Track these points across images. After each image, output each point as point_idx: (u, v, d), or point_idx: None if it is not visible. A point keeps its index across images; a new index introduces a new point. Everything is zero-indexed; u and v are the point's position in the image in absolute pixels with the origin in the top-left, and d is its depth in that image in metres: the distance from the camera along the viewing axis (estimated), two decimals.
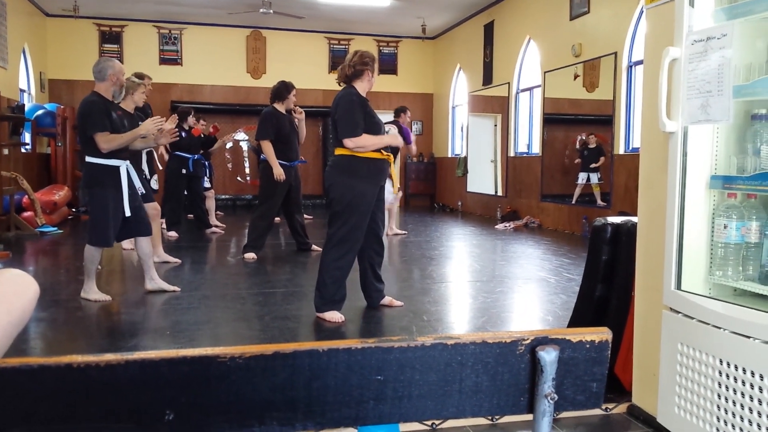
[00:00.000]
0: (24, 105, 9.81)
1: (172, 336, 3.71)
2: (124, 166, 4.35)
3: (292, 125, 6.34)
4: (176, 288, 4.74)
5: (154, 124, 4.44)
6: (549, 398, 0.93)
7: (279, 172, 6.05)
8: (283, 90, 6.28)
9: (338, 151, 3.92)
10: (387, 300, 4.35)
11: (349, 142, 3.80)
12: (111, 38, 12.53)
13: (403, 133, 7.74)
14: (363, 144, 3.82)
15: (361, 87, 4.00)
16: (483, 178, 11.85)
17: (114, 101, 4.55)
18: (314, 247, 6.66)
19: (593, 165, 8.61)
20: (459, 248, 7.72)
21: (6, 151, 8.31)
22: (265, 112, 6.27)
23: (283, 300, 4.63)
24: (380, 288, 4.32)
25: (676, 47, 2.21)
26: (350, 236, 3.89)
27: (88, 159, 4.31)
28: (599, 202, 8.45)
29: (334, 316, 3.95)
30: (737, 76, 2.06)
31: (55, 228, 8.40)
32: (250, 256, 6.19)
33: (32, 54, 11.22)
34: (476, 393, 0.94)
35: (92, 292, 4.43)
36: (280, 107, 6.26)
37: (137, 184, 4.55)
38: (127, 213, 4.34)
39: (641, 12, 7.28)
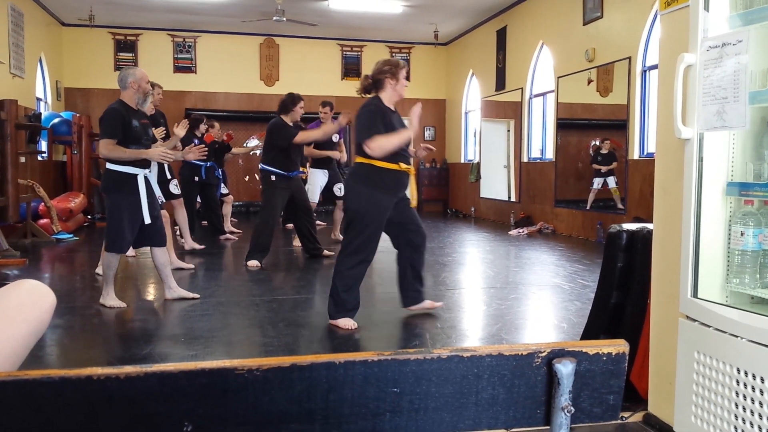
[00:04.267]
0: (41, 113, 9.94)
1: (187, 343, 3.73)
2: (141, 174, 4.38)
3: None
4: (196, 295, 4.76)
5: (160, 155, 4.42)
6: (566, 411, 0.93)
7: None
8: (289, 103, 6.32)
9: (357, 159, 3.91)
10: (427, 303, 4.28)
11: (366, 147, 3.78)
12: (126, 47, 12.66)
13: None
14: (379, 145, 3.75)
15: (386, 96, 3.96)
16: (496, 184, 11.82)
17: (138, 109, 4.58)
18: (326, 252, 6.67)
19: (604, 169, 8.57)
20: (472, 254, 7.71)
21: (23, 159, 8.40)
22: (272, 124, 6.34)
23: (296, 306, 4.64)
24: (418, 288, 4.21)
25: (691, 53, 2.19)
26: (364, 246, 3.88)
27: (108, 165, 4.36)
28: (619, 205, 8.36)
29: (347, 323, 3.95)
30: (753, 82, 2.04)
31: (71, 235, 8.47)
32: (254, 263, 6.18)
33: (49, 63, 11.36)
34: (492, 405, 0.94)
35: (109, 299, 4.46)
36: (287, 119, 6.31)
37: (157, 192, 4.60)
38: (147, 220, 4.37)
39: (655, 16, 7.24)
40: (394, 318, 4.34)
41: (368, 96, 4.01)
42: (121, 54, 12.64)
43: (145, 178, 4.41)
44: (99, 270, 5.56)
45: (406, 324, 4.18)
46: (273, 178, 6.18)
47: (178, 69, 12.88)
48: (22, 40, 9.77)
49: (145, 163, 4.44)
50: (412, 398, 0.92)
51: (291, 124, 6.30)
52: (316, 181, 7.67)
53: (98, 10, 11.04)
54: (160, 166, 6.29)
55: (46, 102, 11.35)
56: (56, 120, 10.35)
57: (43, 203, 8.37)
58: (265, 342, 3.79)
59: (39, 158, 9.77)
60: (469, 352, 0.92)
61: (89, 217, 10.36)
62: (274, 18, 10.47)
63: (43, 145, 10.14)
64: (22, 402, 0.83)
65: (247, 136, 11.63)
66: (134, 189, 4.32)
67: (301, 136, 6.23)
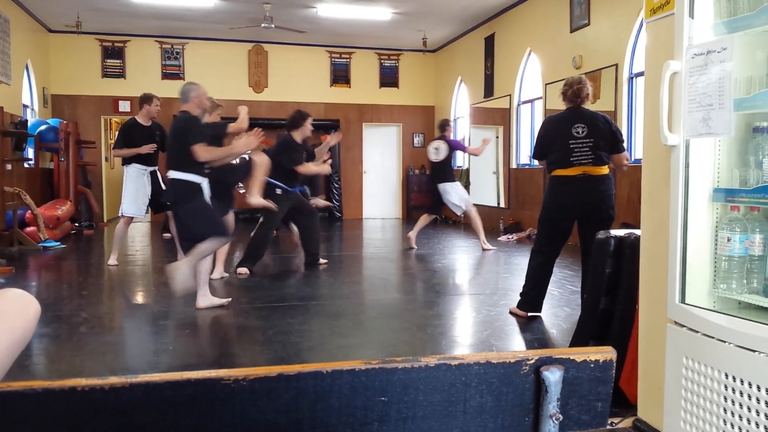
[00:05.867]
0: (27, 120, 9.86)
1: (175, 352, 3.71)
2: (205, 182, 4.47)
3: (308, 154, 6.53)
4: (227, 299, 4.81)
5: (245, 146, 4.53)
6: (554, 418, 0.93)
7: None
8: (299, 119, 6.36)
9: None
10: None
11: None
12: (113, 53, 12.61)
13: (454, 146, 8.00)
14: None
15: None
16: (485, 190, 11.85)
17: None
18: (321, 261, 6.67)
19: None
20: (462, 260, 7.71)
21: (9, 167, 8.34)
22: (283, 142, 6.38)
23: (284, 315, 4.62)
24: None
25: (676, 61, 2.21)
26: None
27: (175, 175, 4.40)
28: None
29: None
30: (738, 89, 2.06)
31: (58, 243, 8.41)
32: (244, 270, 6.18)
33: (35, 69, 11.29)
34: (480, 413, 0.94)
35: (210, 298, 4.64)
36: (297, 136, 6.35)
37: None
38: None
39: (641, 24, 7.30)
40: (382, 325, 4.33)
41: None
42: (108, 61, 12.59)
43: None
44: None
45: (396, 330, 4.17)
46: (278, 191, 6.23)
47: (166, 76, 12.84)
48: (9, 46, 9.71)
49: (205, 173, 4.54)
50: (400, 407, 0.92)
51: (300, 141, 6.38)
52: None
53: (85, 17, 10.99)
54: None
55: (32, 109, 11.28)
56: (43, 127, 10.29)
57: (29, 211, 8.30)
58: (254, 350, 3.78)
59: (25, 165, 9.69)
60: (457, 360, 0.91)
61: (76, 224, 10.28)
62: (263, 25, 10.47)
63: (30, 153, 10.07)
64: (4, 414, 0.82)
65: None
66: (201, 194, 4.42)
67: (305, 168, 6.33)
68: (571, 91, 4.13)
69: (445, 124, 8.12)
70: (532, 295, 4.36)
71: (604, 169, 4.09)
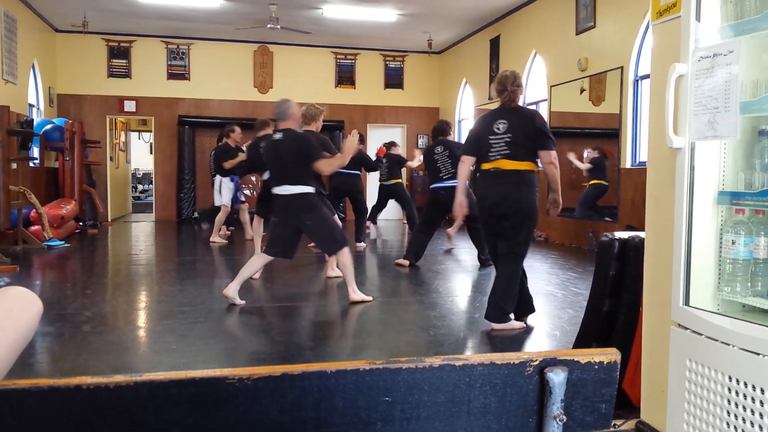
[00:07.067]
0: (33, 120, 9.90)
1: (178, 351, 3.71)
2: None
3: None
4: (369, 298, 4.96)
5: (351, 147, 4.69)
6: (558, 420, 0.93)
7: None
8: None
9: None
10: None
11: None
12: (119, 53, 12.64)
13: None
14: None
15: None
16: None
17: None
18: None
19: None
20: (465, 262, 7.70)
21: (14, 166, 8.36)
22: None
23: (288, 315, 4.62)
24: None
25: (682, 63, 2.21)
26: None
27: (303, 190, 4.63)
28: None
29: None
30: (744, 92, 2.05)
31: (63, 242, 8.43)
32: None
33: (41, 69, 11.33)
34: (484, 414, 0.93)
35: (358, 293, 4.87)
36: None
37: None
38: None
39: (647, 26, 7.29)
40: (386, 326, 4.33)
41: None
42: (114, 60, 12.63)
43: None
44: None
45: (400, 331, 4.17)
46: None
47: (171, 76, 12.87)
48: (15, 46, 9.74)
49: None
50: (404, 407, 0.92)
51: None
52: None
53: (92, 17, 11.02)
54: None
55: (38, 108, 11.31)
56: (48, 126, 10.31)
57: (34, 210, 8.33)
58: (257, 350, 3.78)
59: (31, 164, 9.73)
60: (461, 361, 0.91)
61: (81, 224, 10.31)
62: (268, 26, 10.49)
63: (35, 152, 10.10)
64: (8, 412, 0.82)
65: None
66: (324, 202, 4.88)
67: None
68: (506, 93, 4.09)
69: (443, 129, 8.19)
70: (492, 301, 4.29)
71: (521, 165, 4.01)
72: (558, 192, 4.27)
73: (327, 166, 4.69)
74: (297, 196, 4.63)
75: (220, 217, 8.87)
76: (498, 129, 4.06)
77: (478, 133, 4.21)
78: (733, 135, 2.04)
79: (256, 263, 4.85)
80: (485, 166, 4.17)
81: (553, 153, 4.08)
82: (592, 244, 8.22)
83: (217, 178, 8.75)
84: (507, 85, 4.08)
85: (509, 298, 4.08)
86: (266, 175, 6.15)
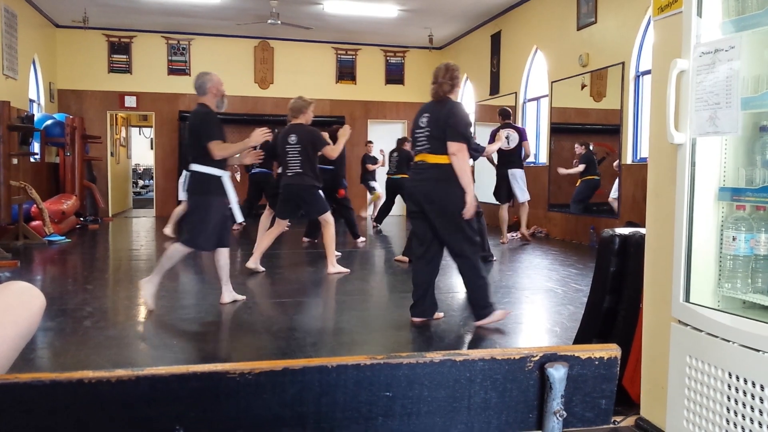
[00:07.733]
0: (33, 115, 9.90)
1: (179, 346, 3.72)
2: (226, 176, 4.49)
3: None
4: (243, 297, 4.83)
5: (262, 135, 4.54)
6: (558, 415, 0.93)
7: None
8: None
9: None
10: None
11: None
12: (120, 49, 12.63)
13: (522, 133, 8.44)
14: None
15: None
16: (490, 188, 11.82)
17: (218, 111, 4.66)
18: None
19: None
20: None
21: (15, 161, 8.36)
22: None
23: (289, 310, 4.63)
24: None
25: (683, 59, 2.20)
26: None
27: (196, 168, 4.43)
28: None
29: None
30: (745, 88, 2.05)
31: (63, 237, 8.44)
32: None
33: (42, 64, 11.32)
34: (485, 410, 0.94)
35: (227, 296, 4.69)
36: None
37: (232, 197, 4.63)
38: (239, 219, 4.73)
39: (648, 22, 7.28)
40: (387, 322, 4.33)
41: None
42: (115, 56, 12.62)
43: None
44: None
45: (400, 328, 4.18)
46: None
47: (172, 71, 12.86)
48: (16, 41, 9.73)
49: (226, 167, 4.57)
50: (405, 402, 0.92)
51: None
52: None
53: (92, 12, 11.01)
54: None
55: (39, 103, 11.31)
56: (49, 122, 10.31)
57: (35, 205, 8.33)
58: (258, 345, 3.78)
59: (31, 160, 9.73)
60: (462, 356, 0.92)
61: (81, 219, 10.31)
62: (269, 21, 10.47)
63: (36, 147, 10.09)
64: (11, 405, 0.82)
65: (240, 138, 11.58)
66: (221, 190, 4.45)
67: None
68: (434, 85, 4.04)
69: (509, 113, 8.46)
70: (415, 299, 4.25)
71: (442, 159, 3.93)
72: (466, 189, 3.91)
73: (219, 150, 4.39)
74: (191, 175, 4.49)
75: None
76: (422, 123, 4.04)
77: (412, 126, 4.20)
78: (734, 131, 2.04)
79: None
80: (415, 159, 4.19)
81: (457, 145, 3.89)
82: (592, 240, 8.22)
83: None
84: (438, 78, 4.04)
85: (482, 290, 4.06)
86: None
